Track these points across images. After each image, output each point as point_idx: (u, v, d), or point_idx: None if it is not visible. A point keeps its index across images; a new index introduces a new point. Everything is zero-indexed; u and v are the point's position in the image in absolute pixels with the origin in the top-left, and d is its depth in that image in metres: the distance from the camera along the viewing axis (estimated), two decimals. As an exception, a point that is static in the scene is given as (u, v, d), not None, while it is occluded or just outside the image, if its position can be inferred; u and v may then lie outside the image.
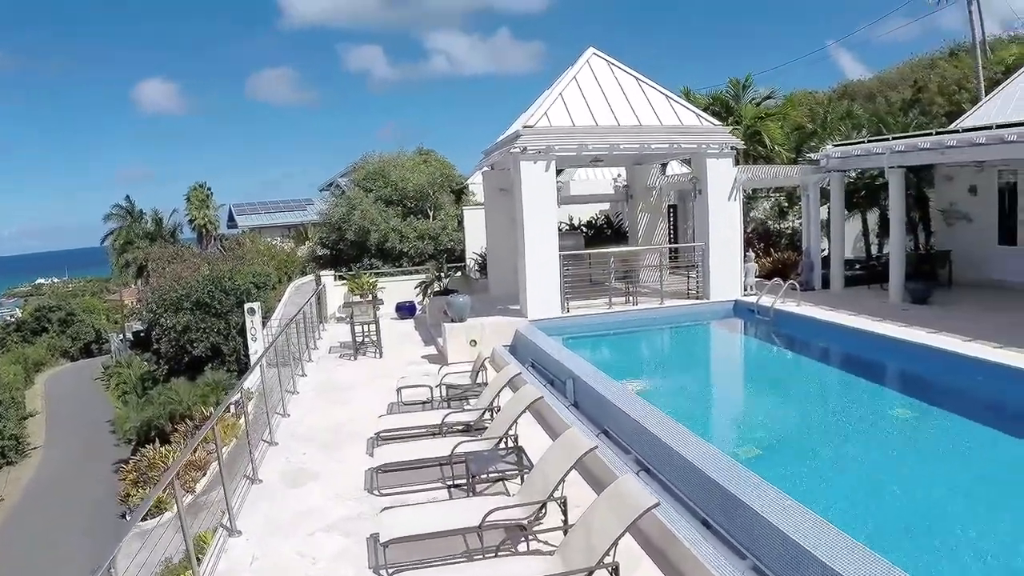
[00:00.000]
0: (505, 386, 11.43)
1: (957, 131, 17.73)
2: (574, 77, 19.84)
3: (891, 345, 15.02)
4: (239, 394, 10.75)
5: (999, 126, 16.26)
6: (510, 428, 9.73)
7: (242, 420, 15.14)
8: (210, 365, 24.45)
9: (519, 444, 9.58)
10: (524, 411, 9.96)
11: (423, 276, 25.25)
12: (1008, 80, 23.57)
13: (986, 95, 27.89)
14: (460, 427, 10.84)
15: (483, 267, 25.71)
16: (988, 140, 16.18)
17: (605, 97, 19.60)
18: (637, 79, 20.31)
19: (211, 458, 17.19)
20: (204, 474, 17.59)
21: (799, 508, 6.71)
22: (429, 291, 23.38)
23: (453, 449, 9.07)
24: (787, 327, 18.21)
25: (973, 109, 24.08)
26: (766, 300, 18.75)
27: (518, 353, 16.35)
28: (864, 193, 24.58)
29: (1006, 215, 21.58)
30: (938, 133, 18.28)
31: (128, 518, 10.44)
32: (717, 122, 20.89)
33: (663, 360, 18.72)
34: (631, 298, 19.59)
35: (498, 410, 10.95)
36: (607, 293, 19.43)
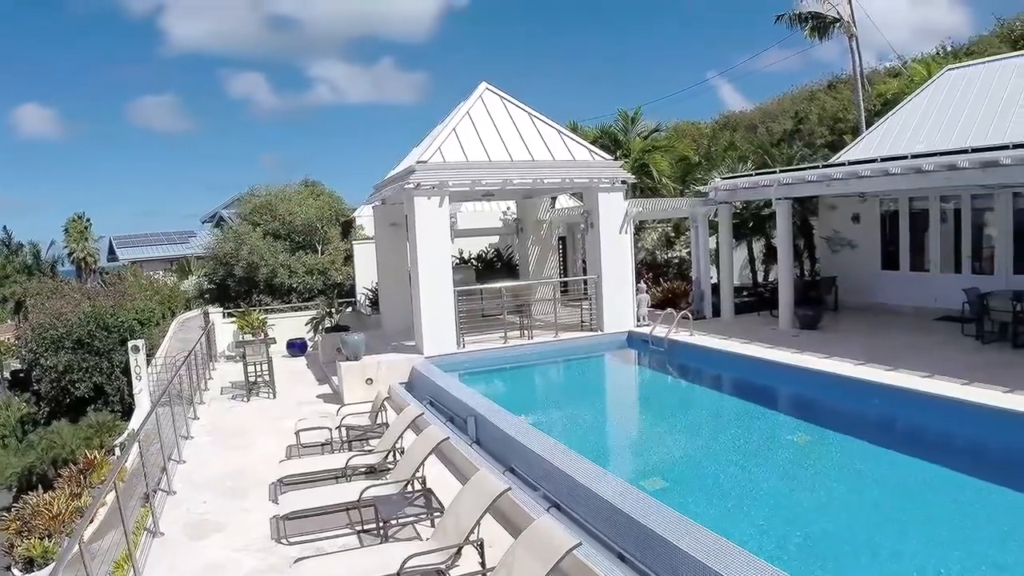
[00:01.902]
0: (408, 426, 11.32)
1: (843, 164, 18.47)
2: (467, 112, 19.90)
3: (786, 371, 15.46)
4: (136, 442, 10.36)
5: (883, 159, 16.95)
6: (417, 470, 9.62)
7: (131, 466, 14.57)
8: (93, 406, 23.53)
9: (428, 487, 9.49)
10: (431, 453, 9.88)
11: (314, 312, 24.92)
12: (889, 113, 24.58)
13: (866, 127, 29.03)
14: (364, 470, 10.68)
15: (375, 302, 25.49)
16: (872, 173, 16.90)
17: (498, 132, 19.71)
18: (529, 114, 20.50)
19: (97, 504, 16.43)
20: (91, 521, 16.83)
21: (714, 537, 6.86)
22: (320, 328, 23.08)
23: (361, 494, 8.92)
24: (682, 356, 18.55)
25: (856, 141, 25.06)
26: (660, 330, 19.04)
27: (415, 390, 16.25)
28: (752, 223, 25.24)
29: (888, 242, 22.46)
30: (824, 166, 18.97)
31: (15, 571, 9.91)
32: (608, 156, 21.20)
33: (562, 394, 18.79)
34: (526, 332, 19.63)
35: (402, 451, 10.84)
36: (502, 327, 19.45)
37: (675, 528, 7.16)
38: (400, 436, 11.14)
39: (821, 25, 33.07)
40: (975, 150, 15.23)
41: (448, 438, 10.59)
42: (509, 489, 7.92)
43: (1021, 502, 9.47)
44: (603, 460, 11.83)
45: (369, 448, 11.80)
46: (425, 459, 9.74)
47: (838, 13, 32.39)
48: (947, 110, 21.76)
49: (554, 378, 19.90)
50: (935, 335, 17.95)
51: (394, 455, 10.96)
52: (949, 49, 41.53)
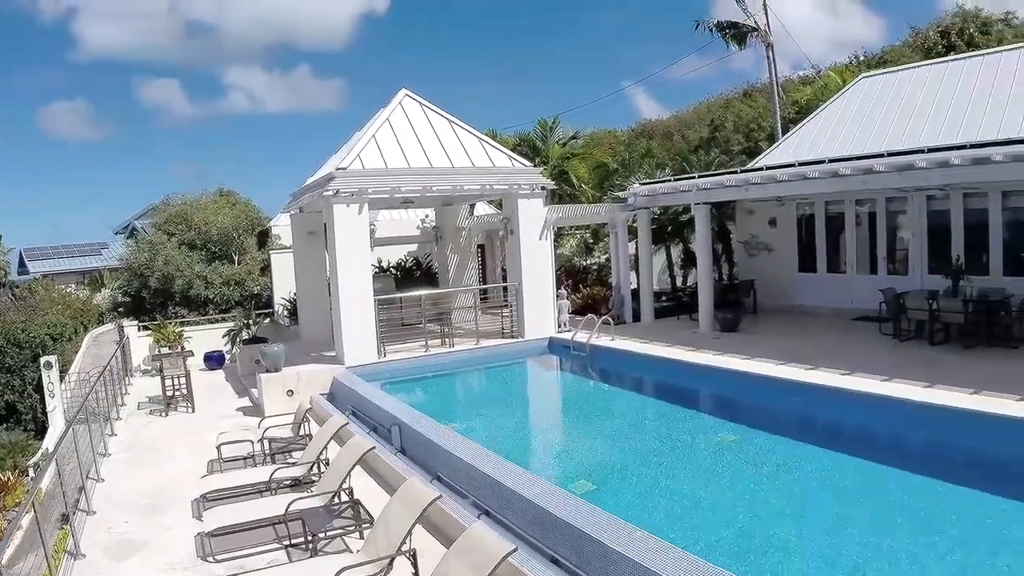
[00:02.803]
0: (332, 437, 11.23)
1: (761, 169, 18.77)
2: (387, 119, 19.86)
3: (708, 373, 15.74)
4: (53, 462, 10.08)
5: (801, 163, 17.35)
6: (343, 482, 9.56)
7: (47, 486, 14.20)
8: (5, 425, 22.86)
9: (355, 498, 9.43)
10: (356, 464, 9.83)
11: (231, 324, 24.55)
12: (806, 119, 25.20)
13: (782, 133, 29.67)
14: (289, 483, 10.56)
15: (293, 312, 25.23)
16: (791, 177, 17.28)
17: (418, 139, 19.71)
18: (449, 121, 20.55)
19: (14, 527, 15.97)
20: (8, 545, 16.32)
21: (647, 536, 6.97)
22: (238, 340, 22.75)
23: (287, 508, 8.82)
24: (604, 361, 18.72)
25: (773, 146, 25.61)
26: (581, 336, 19.20)
27: (337, 401, 16.16)
28: (670, 229, 25.56)
29: (805, 245, 22.96)
30: (743, 171, 19.32)
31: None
32: (527, 163, 21.31)
33: (486, 401, 18.69)
34: (447, 340, 19.63)
35: (327, 463, 10.76)
36: (423, 336, 19.42)
37: (607, 529, 7.24)
38: (324, 447, 11.05)
39: (739, 34, 33.69)
40: (891, 154, 15.72)
41: (374, 448, 10.52)
42: (439, 497, 7.92)
43: (943, 491, 9.84)
44: (530, 465, 11.92)
45: (293, 460, 11.68)
46: (351, 470, 9.69)
47: (755, 22, 33.03)
48: (862, 116, 22.39)
49: (477, 386, 19.86)
50: (853, 335, 18.47)
51: (319, 467, 10.87)
52: (862, 58, 42.58)
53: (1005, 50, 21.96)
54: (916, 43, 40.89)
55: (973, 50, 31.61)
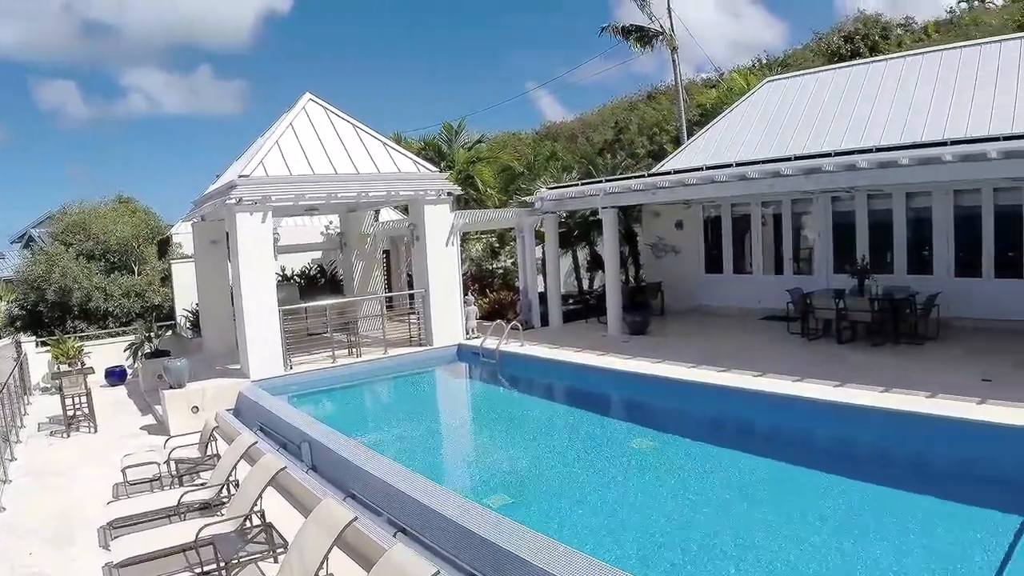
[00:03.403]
0: (241, 457, 11.09)
1: (669, 172, 19.12)
2: (290, 124, 19.68)
3: (620, 377, 15.96)
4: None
5: (709, 167, 17.72)
6: (255, 504, 9.44)
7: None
8: None
9: (268, 521, 9.34)
10: (267, 485, 9.72)
11: (132, 337, 24.01)
12: (712, 122, 25.74)
13: (687, 136, 30.22)
14: (199, 507, 10.39)
15: (196, 324, 24.79)
16: (699, 181, 17.66)
17: (322, 144, 19.57)
18: (354, 125, 20.46)
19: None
20: None
21: (568, 550, 7.05)
22: (140, 354, 22.26)
23: (197, 533, 8.67)
24: (514, 368, 18.84)
25: (679, 149, 26.15)
26: (490, 342, 19.30)
27: (244, 417, 15.86)
28: (577, 232, 25.81)
29: (711, 246, 23.45)
30: (650, 175, 19.61)
31: None
32: (433, 168, 21.31)
33: (396, 412, 18.52)
34: (354, 350, 19.51)
35: (237, 484, 10.61)
36: (330, 346, 19.26)
37: (528, 545, 7.28)
38: (233, 468, 10.88)
39: (645, 38, 34.20)
40: (798, 158, 16.19)
41: (285, 468, 10.42)
42: (355, 519, 7.88)
43: (855, 489, 10.27)
44: (445, 479, 12.00)
45: (202, 482, 11.46)
46: (262, 492, 9.55)
47: (661, 26, 33.57)
48: (768, 119, 22.98)
49: (386, 396, 19.74)
50: (762, 335, 19.00)
51: (228, 489, 10.72)
52: (765, 61, 43.66)
53: (909, 55, 22.89)
54: (820, 47, 42.10)
55: (876, 54, 32.69)
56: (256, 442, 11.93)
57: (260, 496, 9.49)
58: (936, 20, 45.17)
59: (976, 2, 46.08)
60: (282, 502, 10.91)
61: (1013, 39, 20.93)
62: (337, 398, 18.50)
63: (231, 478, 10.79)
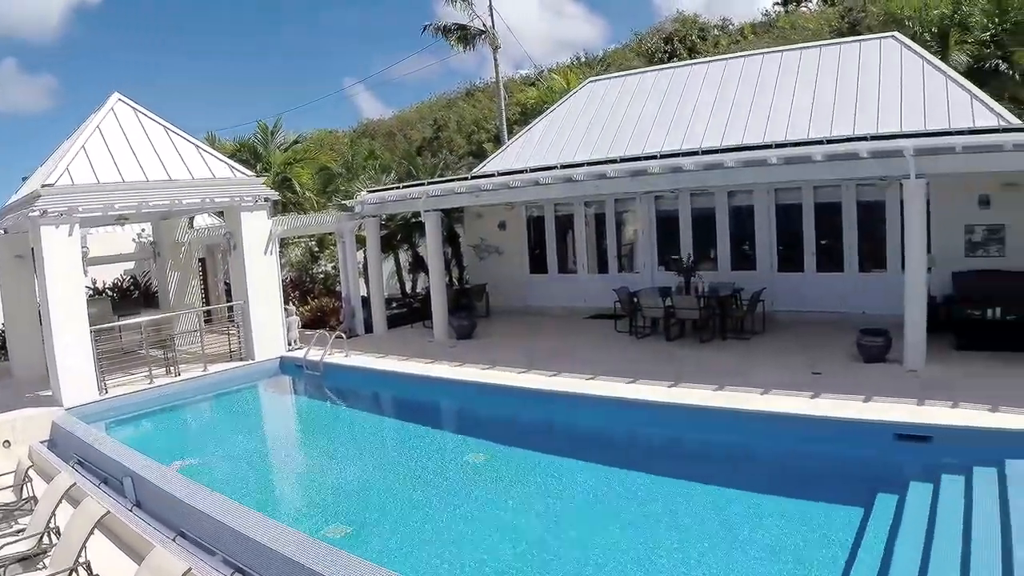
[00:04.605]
0: (62, 499, 10.37)
1: (492, 174, 19.26)
2: (98, 127, 18.67)
3: (450, 387, 15.94)
4: None
5: (533, 169, 17.88)
6: (79, 555, 8.85)
7: None
8: None
9: (95, 573, 8.77)
10: (91, 533, 9.12)
11: (-71, 364, 22.24)
12: (533, 122, 25.95)
13: (508, 135, 30.39)
14: (18, 559, 9.66)
15: (2, 346, 23.18)
16: (523, 183, 17.81)
17: (132, 149, 18.68)
18: (166, 128, 19.63)
19: None
20: None
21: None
22: (-61, 382, 20.64)
23: (19, 593, 8.10)
24: (340, 380, 18.45)
25: (500, 149, 26.22)
26: (314, 353, 18.89)
27: (60, 449, 14.71)
28: (399, 235, 25.62)
29: (535, 246, 23.65)
30: (474, 177, 19.69)
31: None
32: (250, 172, 20.78)
33: (219, 435, 17.34)
34: (172, 368, 18.61)
35: (58, 532, 9.92)
36: (147, 364, 18.33)
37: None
38: (53, 513, 10.17)
39: (467, 37, 34.16)
40: (624, 159, 16.49)
41: (108, 513, 9.81)
42: (190, 570, 7.48)
43: (697, 491, 10.60)
44: (278, 509, 11.62)
45: (20, 528, 10.67)
46: (87, 540, 8.98)
47: (483, 25, 33.59)
48: (590, 119, 23.30)
49: (209, 417, 18.80)
50: (590, 334, 19.33)
51: (50, 536, 10.01)
52: (584, 60, 44.37)
53: (730, 58, 23.81)
54: (640, 48, 43.12)
55: (695, 55, 33.75)
56: (74, 483, 11.15)
57: (84, 545, 8.91)
58: (753, 22, 47.19)
59: (792, 5, 48.19)
60: (111, 549, 10.25)
61: (831, 44, 22.19)
62: (158, 422, 17.50)
63: (51, 525, 10.08)
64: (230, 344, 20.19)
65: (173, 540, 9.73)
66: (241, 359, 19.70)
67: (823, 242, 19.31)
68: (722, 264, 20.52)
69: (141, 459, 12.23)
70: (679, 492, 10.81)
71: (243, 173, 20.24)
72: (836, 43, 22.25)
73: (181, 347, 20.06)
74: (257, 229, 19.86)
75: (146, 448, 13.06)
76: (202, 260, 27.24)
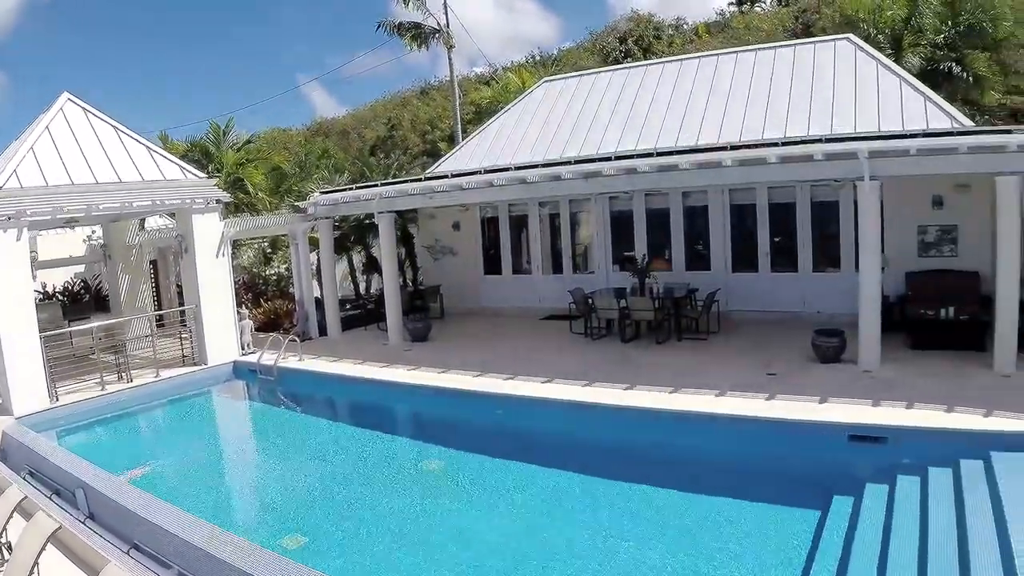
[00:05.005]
0: (13, 512, 10.24)
1: (446, 175, 19.23)
2: (47, 127, 18.40)
3: (406, 391, 15.92)
4: None
5: (487, 170, 17.94)
6: (32, 571, 8.75)
7: None
8: None
9: (49, 591, 8.69)
10: (44, 548, 9.03)
11: None
12: (488, 122, 25.98)
13: (463, 134, 30.36)
14: (-32, 577, 9.55)
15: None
16: (477, 185, 17.77)
17: (81, 150, 18.45)
18: (116, 129, 19.39)
19: None
20: None
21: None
22: None
23: (-30, 611, 8.00)
24: (295, 385, 18.32)
25: (455, 149, 26.20)
26: (268, 358, 18.77)
27: (11, 460, 14.44)
28: (353, 237, 25.52)
29: (489, 247, 23.68)
30: (427, 178, 19.68)
31: None
32: (201, 174, 20.64)
33: (172, 443, 17.01)
34: (124, 374, 18.39)
35: (9, 547, 9.81)
36: (98, 370, 18.05)
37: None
38: (4, 528, 10.05)
39: (421, 35, 34.06)
40: (578, 160, 16.56)
41: (61, 527, 9.70)
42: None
43: (658, 495, 10.70)
44: (233, 519, 11.55)
45: (-32, 545, 10.54)
46: (38, 557, 8.88)
47: (438, 23, 33.50)
48: (545, 119, 23.33)
49: (162, 424, 18.53)
50: (545, 336, 19.40)
51: (1, 552, 9.90)
52: (539, 58, 44.38)
53: (686, 58, 23.91)
54: (594, 47, 43.20)
55: (650, 55, 33.90)
56: (26, 496, 11.02)
57: (37, 561, 8.82)
58: (708, 22, 47.51)
59: (747, 5, 48.52)
60: (65, 564, 10.14)
61: (786, 46, 22.38)
62: (110, 430, 17.24)
63: (2, 540, 9.96)
64: (183, 348, 19.99)
65: (127, 553, 9.66)
66: (194, 364, 19.51)
67: (777, 240, 19.55)
68: (677, 264, 20.69)
69: (93, 470, 12.09)
70: (635, 496, 10.90)
71: (194, 175, 20.07)
72: (791, 44, 22.49)
73: (133, 352, 19.84)
74: (209, 231, 19.71)
75: (99, 457, 12.90)
76: (153, 263, 26.90)
